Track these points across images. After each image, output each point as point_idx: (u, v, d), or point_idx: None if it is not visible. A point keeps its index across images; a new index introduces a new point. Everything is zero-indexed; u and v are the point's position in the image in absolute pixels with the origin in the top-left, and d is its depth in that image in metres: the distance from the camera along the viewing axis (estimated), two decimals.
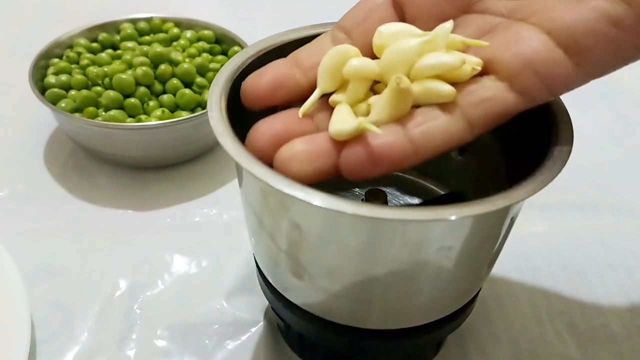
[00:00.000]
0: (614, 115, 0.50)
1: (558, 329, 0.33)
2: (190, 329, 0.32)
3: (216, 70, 0.44)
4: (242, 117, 0.25)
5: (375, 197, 0.29)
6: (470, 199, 0.19)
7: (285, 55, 0.25)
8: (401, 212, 0.18)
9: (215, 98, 0.23)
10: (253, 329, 0.32)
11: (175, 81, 0.43)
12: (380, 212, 0.18)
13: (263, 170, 0.19)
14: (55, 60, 0.45)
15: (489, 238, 0.22)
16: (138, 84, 0.42)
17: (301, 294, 0.25)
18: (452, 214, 0.18)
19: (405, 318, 0.24)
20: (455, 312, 0.26)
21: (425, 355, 0.30)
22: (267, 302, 0.33)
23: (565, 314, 0.33)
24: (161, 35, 0.47)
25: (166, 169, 0.43)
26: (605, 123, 0.49)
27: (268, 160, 0.20)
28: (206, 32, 0.48)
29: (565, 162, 0.21)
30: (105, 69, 0.43)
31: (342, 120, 0.20)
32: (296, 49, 0.25)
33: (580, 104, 0.50)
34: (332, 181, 0.20)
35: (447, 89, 0.19)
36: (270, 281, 0.26)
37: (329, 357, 0.30)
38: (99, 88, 0.42)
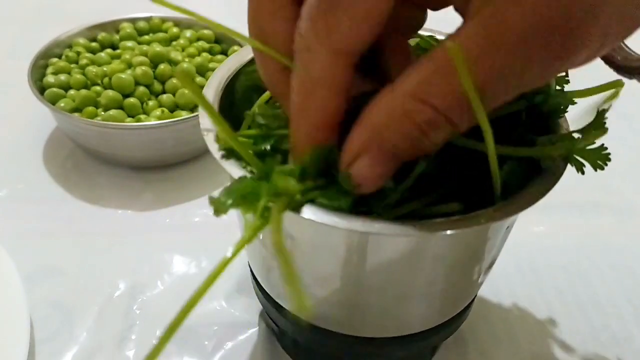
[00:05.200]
0: (617, 115, 0.49)
1: (558, 329, 0.33)
2: (189, 330, 0.32)
3: None
4: (237, 120, 0.25)
5: None
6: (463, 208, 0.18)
7: None
8: (393, 227, 0.18)
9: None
10: (252, 330, 0.32)
11: (174, 81, 0.42)
12: (372, 226, 0.18)
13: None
14: (55, 59, 0.45)
15: (484, 249, 0.22)
16: (137, 83, 0.42)
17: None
18: (447, 228, 0.18)
19: (399, 326, 0.24)
20: (451, 319, 0.25)
21: None
22: None
23: (566, 314, 0.33)
24: (160, 35, 0.47)
25: (166, 169, 0.43)
26: (607, 123, 0.49)
27: None
28: (206, 31, 0.48)
29: (560, 176, 0.20)
30: (105, 69, 0.42)
31: None
32: None
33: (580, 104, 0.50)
34: None
35: None
36: (264, 287, 0.26)
37: None
38: (98, 88, 0.42)
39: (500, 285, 0.35)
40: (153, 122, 0.39)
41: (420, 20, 0.22)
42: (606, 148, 0.21)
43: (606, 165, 0.21)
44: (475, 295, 0.27)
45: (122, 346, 0.31)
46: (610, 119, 0.53)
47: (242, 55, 0.25)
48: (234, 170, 0.20)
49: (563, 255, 0.37)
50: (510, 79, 0.16)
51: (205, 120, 0.21)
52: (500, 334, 0.32)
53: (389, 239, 0.19)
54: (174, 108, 0.42)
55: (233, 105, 0.25)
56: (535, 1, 0.15)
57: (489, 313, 0.33)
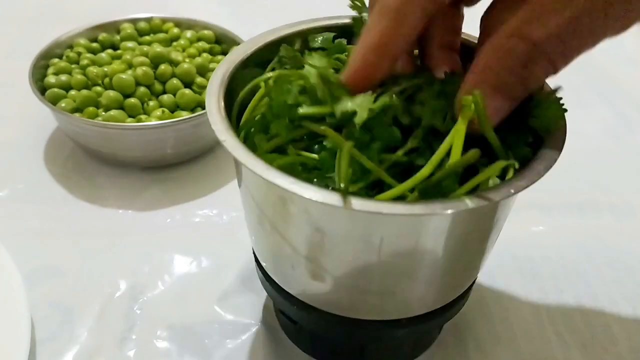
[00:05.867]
0: (615, 115, 0.50)
1: (558, 329, 0.33)
2: (190, 330, 0.32)
3: None
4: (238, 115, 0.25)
5: None
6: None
7: (276, 53, 0.25)
8: (401, 207, 0.19)
9: (214, 105, 0.23)
10: (253, 329, 0.32)
11: (175, 81, 0.43)
12: (390, 208, 0.18)
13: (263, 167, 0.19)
14: (55, 60, 0.45)
15: (493, 225, 0.23)
16: (138, 84, 0.42)
17: (320, 296, 0.25)
18: (447, 208, 0.19)
19: (419, 305, 0.25)
20: (459, 297, 0.27)
21: (430, 339, 0.31)
22: (265, 302, 0.33)
23: (566, 314, 0.33)
24: (161, 35, 0.47)
25: (166, 169, 0.43)
26: (605, 123, 0.49)
27: None
28: (206, 32, 0.48)
29: (563, 145, 0.21)
30: (105, 69, 0.43)
31: None
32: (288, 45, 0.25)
33: (580, 104, 0.50)
34: None
35: None
36: (284, 287, 0.26)
37: (340, 352, 0.30)
38: (99, 88, 0.42)
39: (500, 284, 0.35)
40: (154, 122, 0.39)
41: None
42: (561, 98, 0.22)
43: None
44: (475, 280, 0.28)
45: (122, 346, 0.31)
46: (609, 120, 0.53)
47: (239, 52, 0.26)
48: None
49: (563, 255, 0.37)
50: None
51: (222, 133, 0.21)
52: (500, 333, 0.32)
53: (408, 219, 0.20)
54: (174, 108, 0.42)
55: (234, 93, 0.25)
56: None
57: (489, 312, 0.33)
